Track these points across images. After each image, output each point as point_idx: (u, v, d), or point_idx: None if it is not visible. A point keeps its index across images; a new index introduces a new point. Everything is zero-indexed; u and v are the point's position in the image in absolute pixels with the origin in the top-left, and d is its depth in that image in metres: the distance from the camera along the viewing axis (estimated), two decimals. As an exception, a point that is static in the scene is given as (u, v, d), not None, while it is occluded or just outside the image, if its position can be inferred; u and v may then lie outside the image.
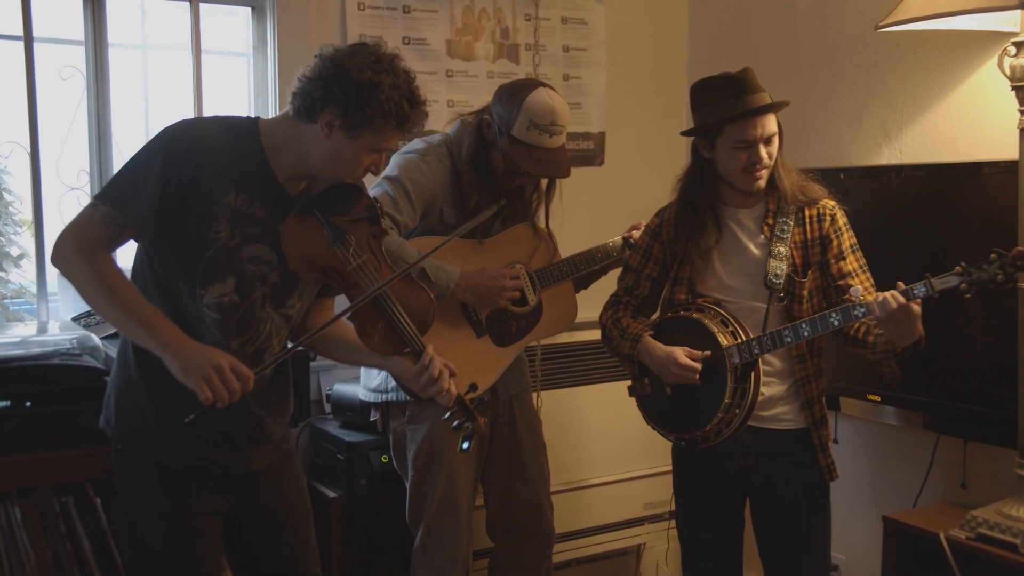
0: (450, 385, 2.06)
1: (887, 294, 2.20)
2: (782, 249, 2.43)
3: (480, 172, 2.61)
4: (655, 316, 2.67)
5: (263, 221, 1.99)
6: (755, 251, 2.47)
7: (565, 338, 3.39)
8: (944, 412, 2.82)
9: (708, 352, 2.41)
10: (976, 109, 2.92)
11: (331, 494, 2.93)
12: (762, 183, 2.44)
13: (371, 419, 2.89)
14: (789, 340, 2.36)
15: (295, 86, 1.96)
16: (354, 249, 2.00)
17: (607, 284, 2.90)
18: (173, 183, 1.91)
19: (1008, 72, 2.52)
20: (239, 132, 1.99)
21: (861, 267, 2.47)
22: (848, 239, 2.48)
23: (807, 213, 2.47)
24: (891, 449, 3.16)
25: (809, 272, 2.44)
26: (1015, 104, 2.52)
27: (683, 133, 2.52)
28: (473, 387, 2.19)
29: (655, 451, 3.54)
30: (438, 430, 2.63)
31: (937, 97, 3.03)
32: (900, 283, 2.21)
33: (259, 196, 1.98)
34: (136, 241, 2.00)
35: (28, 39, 2.93)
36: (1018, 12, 2.48)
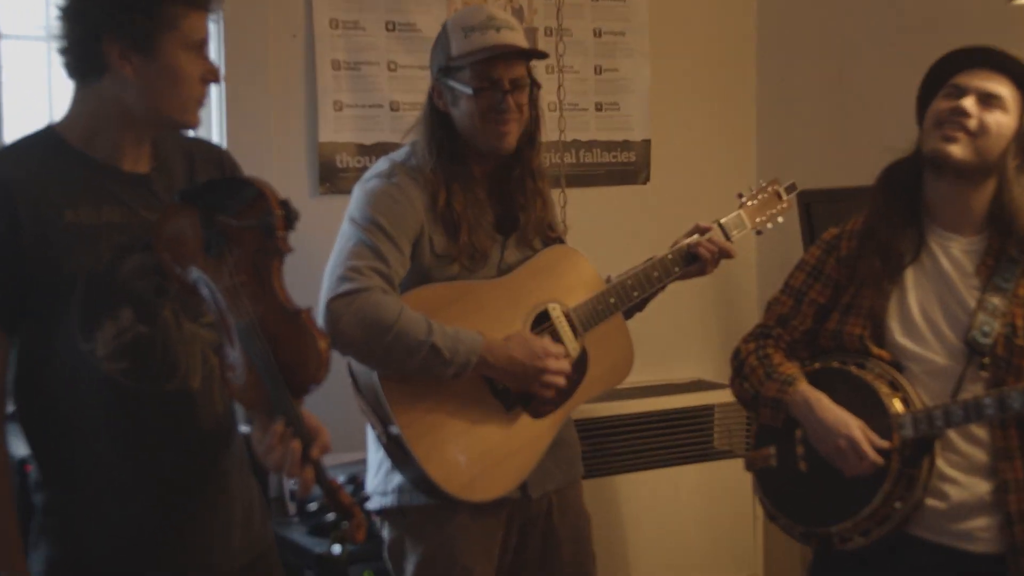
0: (301, 472, 1.78)
1: None
2: (997, 302, 2.13)
3: (455, 168, 2.35)
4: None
5: (125, 225, 1.88)
6: (962, 293, 2.19)
7: (603, 411, 3.17)
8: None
9: (889, 444, 2.11)
10: None
11: (301, 618, 2.71)
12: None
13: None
14: (991, 412, 2.04)
15: (58, 58, 1.85)
16: (232, 266, 1.77)
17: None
18: None
19: None
20: (40, 147, 1.91)
21: None
22: None
23: None
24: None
25: None
26: None
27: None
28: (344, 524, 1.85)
29: (722, 558, 3.34)
30: (448, 538, 2.37)
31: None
32: None
33: (105, 199, 1.87)
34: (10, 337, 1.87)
35: None
36: None
